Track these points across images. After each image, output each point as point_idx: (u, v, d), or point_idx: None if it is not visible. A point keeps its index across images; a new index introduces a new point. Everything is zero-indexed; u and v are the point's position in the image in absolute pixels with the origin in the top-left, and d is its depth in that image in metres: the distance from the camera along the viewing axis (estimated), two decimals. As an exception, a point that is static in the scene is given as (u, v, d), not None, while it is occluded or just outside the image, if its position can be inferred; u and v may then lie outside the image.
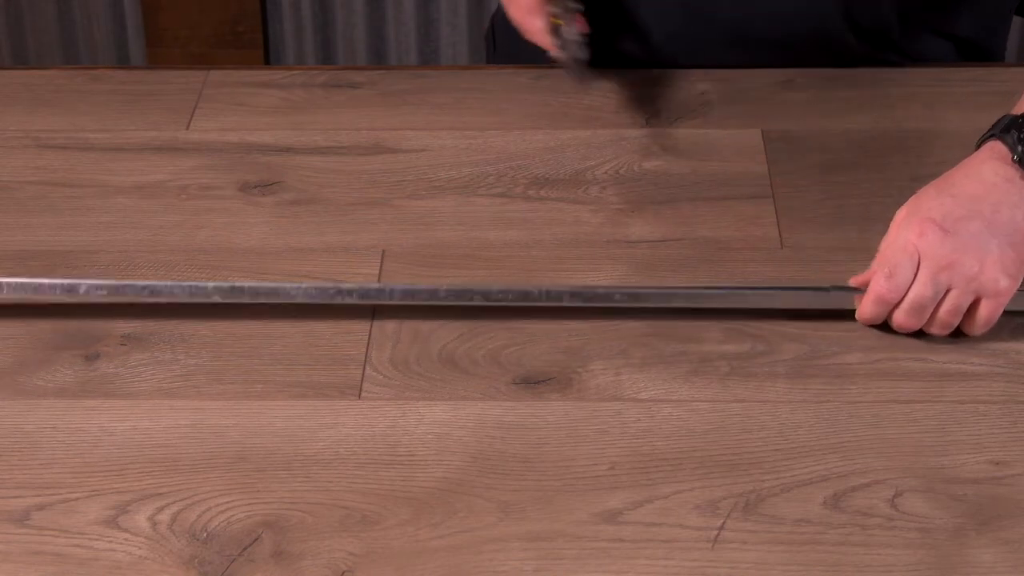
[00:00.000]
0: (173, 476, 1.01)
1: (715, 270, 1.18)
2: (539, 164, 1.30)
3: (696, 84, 1.41)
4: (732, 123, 1.33)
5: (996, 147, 1.12)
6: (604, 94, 1.40)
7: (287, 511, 0.98)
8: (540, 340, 1.12)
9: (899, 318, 1.10)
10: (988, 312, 1.09)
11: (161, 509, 0.98)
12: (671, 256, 1.20)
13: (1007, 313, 1.10)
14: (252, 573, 0.94)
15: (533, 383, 1.08)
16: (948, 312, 1.09)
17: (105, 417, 1.05)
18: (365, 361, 1.10)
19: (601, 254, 1.20)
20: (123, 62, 2.47)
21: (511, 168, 1.30)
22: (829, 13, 1.37)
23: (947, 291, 1.08)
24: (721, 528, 0.96)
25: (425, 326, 1.13)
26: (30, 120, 1.38)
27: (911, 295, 1.09)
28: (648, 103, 1.39)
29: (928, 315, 1.09)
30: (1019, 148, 1.11)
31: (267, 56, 2.37)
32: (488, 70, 1.45)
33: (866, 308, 1.10)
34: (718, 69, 1.41)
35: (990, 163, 1.11)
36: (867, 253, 1.19)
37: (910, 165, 1.30)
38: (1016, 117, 1.13)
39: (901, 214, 1.12)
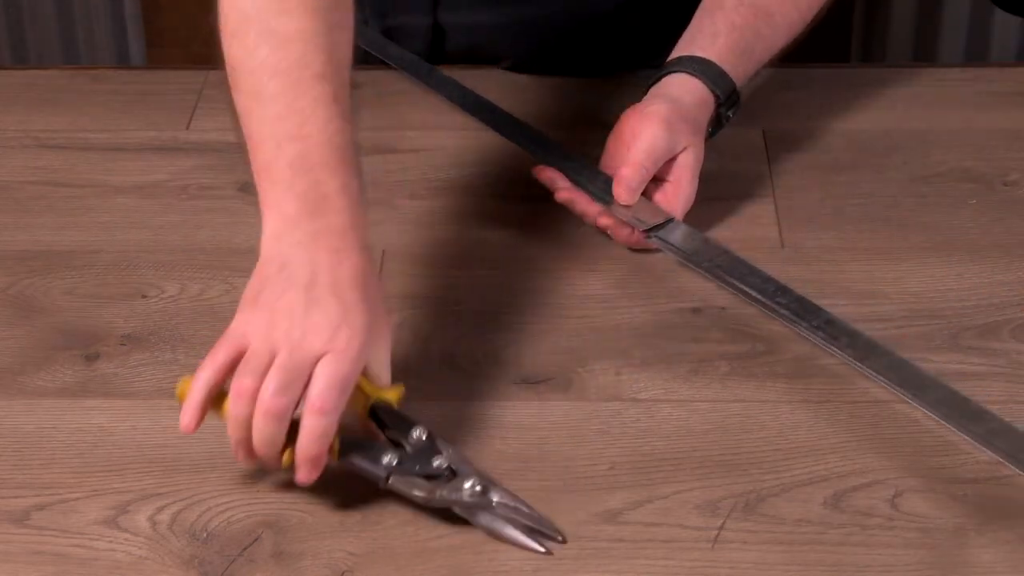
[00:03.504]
0: (173, 476, 1.00)
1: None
2: (539, 164, 1.30)
3: (696, 84, 1.41)
4: (732, 123, 1.33)
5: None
6: (604, 94, 1.40)
7: (287, 511, 0.98)
8: (540, 340, 1.12)
9: None
10: None
11: (161, 509, 0.98)
12: (671, 256, 1.19)
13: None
14: (252, 573, 0.94)
15: (533, 383, 1.08)
16: None
17: (105, 417, 1.05)
18: (365, 361, 1.10)
19: (601, 255, 1.20)
20: (123, 62, 2.47)
21: (511, 168, 1.30)
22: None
23: None
24: (721, 528, 0.96)
25: (425, 326, 1.13)
26: (30, 120, 1.38)
27: None
28: (648, 103, 1.38)
29: None
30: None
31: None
32: (488, 70, 1.44)
33: None
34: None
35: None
36: (867, 253, 1.19)
37: (910, 165, 1.30)
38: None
39: None
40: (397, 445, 0.96)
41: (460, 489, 0.94)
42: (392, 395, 0.98)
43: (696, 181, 1.20)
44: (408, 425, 0.97)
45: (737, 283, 1.10)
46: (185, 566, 0.94)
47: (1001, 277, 1.17)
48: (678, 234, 1.16)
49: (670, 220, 1.17)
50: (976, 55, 2.34)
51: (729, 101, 1.23)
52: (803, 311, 1.07)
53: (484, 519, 0.94)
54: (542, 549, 0.91)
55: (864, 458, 1.01)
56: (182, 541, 0.96)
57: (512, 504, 0.93)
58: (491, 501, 0.93)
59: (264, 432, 0.94)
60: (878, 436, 1.03)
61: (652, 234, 1.16)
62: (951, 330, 1.12)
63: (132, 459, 1.02)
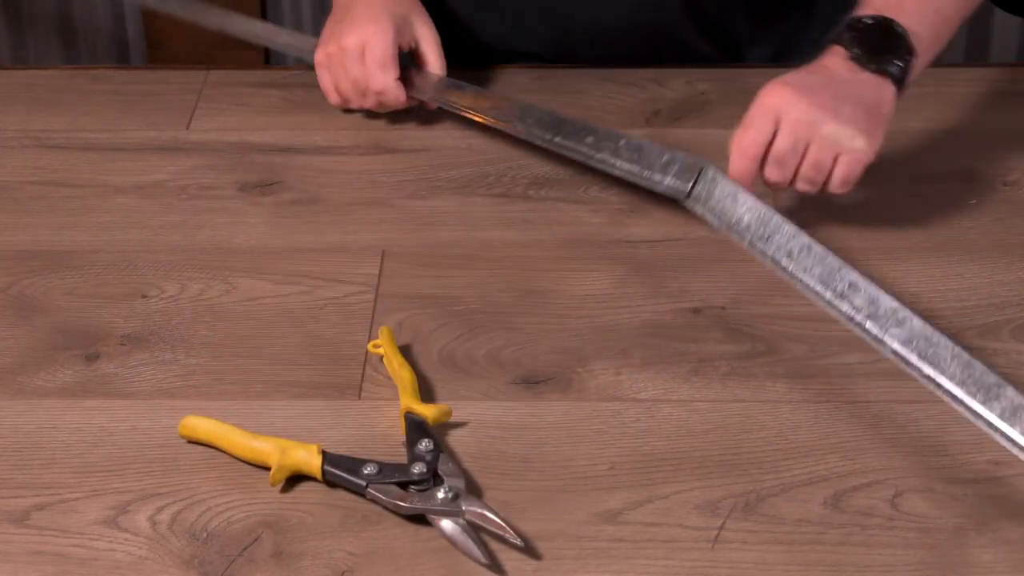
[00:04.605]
0: (173, 476, 1.01)
1: (715, 270, 1.18)
2: (539, 164, 1.30)
3: (696, 84, 1.41)
4: (732, 123, 1.32)
5: (836, 50, 1.18)
6: (604, 94, 1.40)
7: (287, 511, 0.98)
8: (540, 340, 1.12)
9: (767, 172, 1.16)
10: (846, 169, 1.15)
11: (161, 509, 0.98)
12: (671, 256, 1.20)
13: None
14: (252, 573, 0.94)
15: (533, 383, 1.08)
16: (810, 166, 1.15)
17: (105, 417, 1.05)
18: (365, 361, 1.10)
19: (601, 254, 1.20)
20: (123, 62, 2.47)
21: (511, 168, 1.30)
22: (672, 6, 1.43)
23: (807, 147, 1.15)
24: (721, 528, 0.96)
25: (425, 326, 1.13)
26: (30, 120, 1.38)
27: (773, 148, 1.15)
28: (648, 103, 1.39)
29: (792, 169, 1.15)
30: (853, 49, 1.17)
31: (267, 56, 2.37)
32: (488, 70, 1.45)
33: (733, 163, 1.15)
34: (713, 68, 1.42)
35: (832, 60, 1.18)
36: (867, 253, 1.19)
37: (910, 165, 1.30)
38: (851, 20, 1.19)
39: (762, 89, 1.17)
40: (415, 452, 0.99)
41: (433, 498, 0.96)
42: (429, 412, 1.02)
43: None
44: (421, 436, 1.00)
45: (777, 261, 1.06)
46: (185, 566, 0.94)
47: (1001, 277, 1.17)
48: (713, 189, 1.12)
49: (702, 168, 1.14)
50: (976, 55, 2.34)
51: (851, 31, 1.18)
52: (828, 277, 1.02)
53: (447, 527, 0.95)
54: (485, 560, 0.93)
55: (864, 458, 1.01)
56: (182, 541, 0.96)
57: (479, 511, 0.95)
58: (461, 509, 0.95)
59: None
60: (878, 436, 1.03)
61: (689, 198, 1.13)
62: (951, 330, 1.12)
63: (132, 459, 1.02)
